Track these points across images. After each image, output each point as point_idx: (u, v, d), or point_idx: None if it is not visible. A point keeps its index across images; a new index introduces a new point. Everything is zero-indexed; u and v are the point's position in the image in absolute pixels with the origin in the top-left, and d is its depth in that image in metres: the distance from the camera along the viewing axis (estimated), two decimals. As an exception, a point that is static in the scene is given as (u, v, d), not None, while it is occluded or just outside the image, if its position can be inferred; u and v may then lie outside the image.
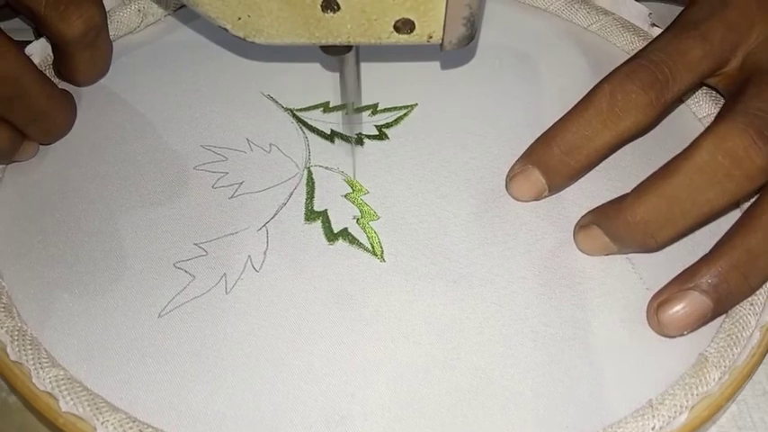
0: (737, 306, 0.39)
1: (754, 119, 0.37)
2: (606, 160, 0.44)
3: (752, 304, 0.39)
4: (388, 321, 0.40)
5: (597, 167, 0.44)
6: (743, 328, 0.39)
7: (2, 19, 0.49)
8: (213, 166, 0.46)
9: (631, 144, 0.45)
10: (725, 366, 0.37)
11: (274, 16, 0.37)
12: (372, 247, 0.42)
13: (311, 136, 0.47)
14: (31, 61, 0.42)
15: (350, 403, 0.37)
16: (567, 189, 0.45)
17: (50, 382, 0.36)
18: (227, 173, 0.45)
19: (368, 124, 0.48)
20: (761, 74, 0.40)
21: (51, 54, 0.49)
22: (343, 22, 0.37)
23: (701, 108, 0.48)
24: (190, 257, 0.42)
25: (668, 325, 0.38)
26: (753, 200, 0.40)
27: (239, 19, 0.37)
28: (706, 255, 0.39)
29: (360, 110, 0.49)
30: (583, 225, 0.42)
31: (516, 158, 0.44)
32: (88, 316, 0.39)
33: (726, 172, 0.37)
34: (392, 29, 0.37)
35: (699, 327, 0.39)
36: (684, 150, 0.38)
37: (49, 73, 0.49)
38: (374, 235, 0.43)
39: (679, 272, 0.39)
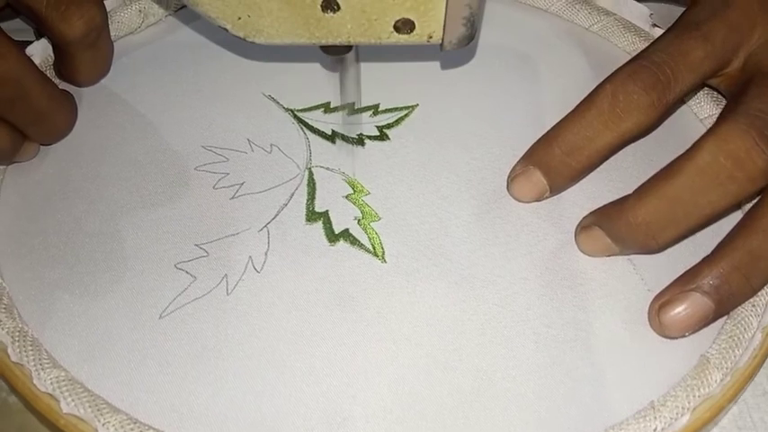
0: (739, 307, 0.39)
1: (755, 120, 0.37)
2: (607, 161, 0.44)
3: (753, 305, 0.39)
4: (389, 323, 0.40)
5: (598, 168, 0.44)
6: (744, 329, 0.38)
7: (3, 19, 0.49)
8: (214, 167, 0.46)
9: (633, 145, 0.45)
10: (726, 368, 0.37)
11: (274, 16, 0.37)
12: (374, 248, 0.42)
13: (312, 137, 0.47)
14: (32, 62, 0.42)
15: (351, 405, 0.37)
16: (569, 190, 0.45)
17: (51, 383, 0.36)
18: (228, 173, 0.45)
19: (369, 125, 0.48)
20: (762, 75, 0.40)
21: (52, 54, 0.49)
22: (343, 22, 0.37)
23: (703, 109, 0.48)
24: (191, 258, 0.42)
25: (670, 326, 0.38)
26: (754, 201, 0.40)
27: (239, 19, 0.37)
28: (708, 256, 0.39)
29: (361, 110, 0.49)
30: (584, 226, 0.42)
31: (517, 159, 0.44)
32: (89, 317, 0.39)
33: (728, 174, 0.37)
34: (392, 29, 0.37)
35: (700, 328, 0.39)
36: (686, 152, 0.38)
37: (50, 73, 0.49)
38: (375, 236, 0.43)
39: (681, 273, 0.39)
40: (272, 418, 0.36)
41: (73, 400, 0.36)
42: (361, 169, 0.46)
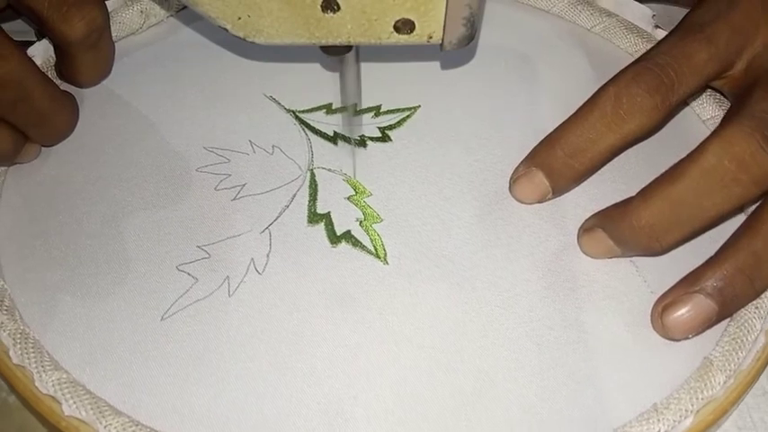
0: (743, 309, 0.39)
1: (760, 123, 0.37)
2: (610, 163, 0.44)
3: (757, 308, 0.39)
4: (391, 324, 0.40)
5: (601, 170, 0.44)
6: (748, 331, 0.38)
7: (4, 20, 0.49)
8: (216, 168, 0.46)
9: (635, 146, 0.45)
10: (730, 370, 0.37)
11: (274, 16, 0.37)
12: (375, 250, 0.42)
13: (314, 138, 0.47)
14: (34, 63, 0.42)
15: (353, 406, 0.37)
16: (571, 192, 0.44)
17: (53, 385, 0.36)
18: (229, 175, 0.45)
19: (371, 126, 0.48)
20: (767, 77, 0.40)
21: (53, 55, 0.49)
22: (344, 22, 0.37)
23: (706, 110, 0.48)
24: (192, 260, 0.42)
25: (673, 328, 0.38)
26: (758, 203, 0.40)
27: (239, 19, 0.37)
28: (711, 258, 0.39)
29: (362, 111, 0.49)
30: (587, 228, 0.42)
31: (520, 161, 0.44)
32: (91, 319, 0.39)
33: (732, 176, 0.37)
34: (392, 29, 0.37)
35: (704, 330, 0.39)
36: (690, 154, 0.38)
37: (51, 74, 0.49)
38: (377, 237, 0.43)
39: (684, 275, 0.39)
40: (274, 420, 0.36)
41: (75, 403, 0.36)
42: (362, 171, 0.46)
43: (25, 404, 0.38)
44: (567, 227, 0.43)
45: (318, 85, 0.50)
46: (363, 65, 0.50)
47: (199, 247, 0.42)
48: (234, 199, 0.44)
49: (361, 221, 0.43)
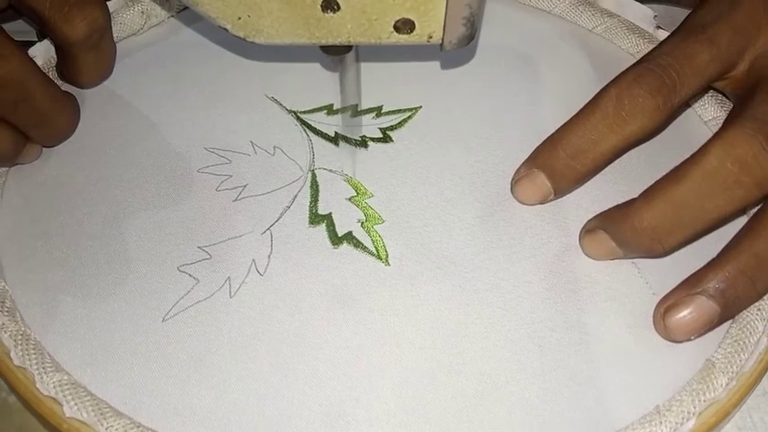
0: (745, 311, 0.39)
1: (763, 125, 0.37)
2: (612, 164, 0.44)
3: (759, 309, 0.39)
4: (392, 326, 0.39)
5: (603, 171, 0.44)
6: (750, 333, 0.38)
7: (5, 21, 0.49)
8: (217, 169, 0.46)
9: (637, 147, 0.45)
10: (732, 372, 0.37)
11: (274, 16, 0.37)
12: (377, 251, 0.42)
13: (315, 138, 0.47)
14: (35, 64, 0.42)
15: (354, 408, 0.37)
16: (573, 193, 0.44)
17: (54, 387, 0.36)
18: (230, 175, 0.45)
19: (372, 127, 0.48)
20: (769, 79, 0.40)
21: (54, 56, 0.49)
22: (344, 22, 0.37)
23: (707, 111, 0.48)
24: (194, 261, 0.42)
25: (675, 330, 0.38)
26: (760, 205, 0.40)
27: (239, 19, 0.37)
28: (713, 259, 0.39)
29: (363, 112, 0.48)
30: (589, 229, 0.42)
31: (521, 162, 0.44)
32: (92, 320, 0.39)
33: (735, 178, 0.37)
34: (392, 29, 0.37)
35: (706, 332, 0.38)
36: (693, 156, 0.38)
37: (52, 75, 0.49)
38: (379, 239, 0.43)
39: (686, 276, 0.39)
40: (276, 422, 0.36)
41: (76, 404, 0.36)
42: (364, 171, 0.46)
43: (26, 406, 0.38)
44: (569, 228, 0.43)
45: (319, 85, 0.50)
46: (364, 65, 0.50)
47: (200, 247, 0.42)
48: (235, 200, 0.44)
49: (362, 222, 0.43)
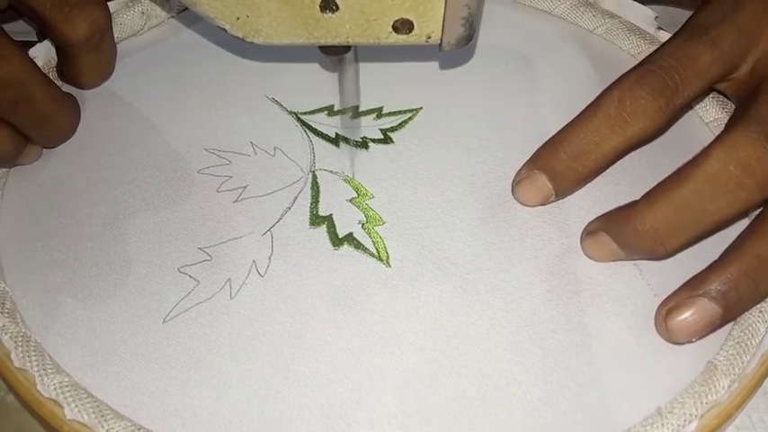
0: (747, 313, 0.39)
1: (765, 127, 0.37)
2: (613, 165, 0.44)
3: (761, 311, 0.39)
4: (393, 327, 0.39)
5: (604, 173, 0.44)
6: (752, 335, 0.38)
7: (5, 21, 0.49)
8: (217, 170, 0.45)
9: (638, 149, 0.45)
10: (734, 374, 0.37)
11: (273, 16, 0.37)
12: (378, 253, 0.42)
13: (316, 139, 0.47)
14: (36, 64, 0.42)
15: (356, 410, 0.37)
16: (574, 194, 0.44)
17: (55, 388, 0.36)
18: (231, 176, 0.45)
19: (373, 128, 0.48)
20: (772, 80, 0.40)
21: (55, 57, 0.48)
22: (342, 22, 0.37)
23: (708, 113, 0.48)
24: (194, 262, 0.41)
25: (677, 332, 0.38)
26: (762, 207, 0.40)
27: (238, 19, 0.37)
28: (715, 261, 0.38)
29: (364, 113, 0.48)
30: (590, 231, 0.42)
31: (522, 163, 0.44)
32: (92, 321, 0.39)
33: (737, 181, 0.37)
34: (391, 29, 0.37)
35: (707, 334, 0.38)
36: (695, 158, 0.38)
37: (53, 76, 0.49)
38: (379, 240, 0.43)
39: (687, 278, 0.39)
40: (276, 423, 0.36)
41: (77, 406, 0.36)
42: (364, 173, 0.46)
43: (27, 408, 0.38)
44: (571, 230, 0.43)
45: (320, 86, 0.50)
46: (365, 66, 0.50)
47: (200, 249, 0.42)
48: (235, 201, 0.44)
49: (363, 224, 0.43)
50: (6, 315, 0.38)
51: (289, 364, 0.38)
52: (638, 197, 0.40)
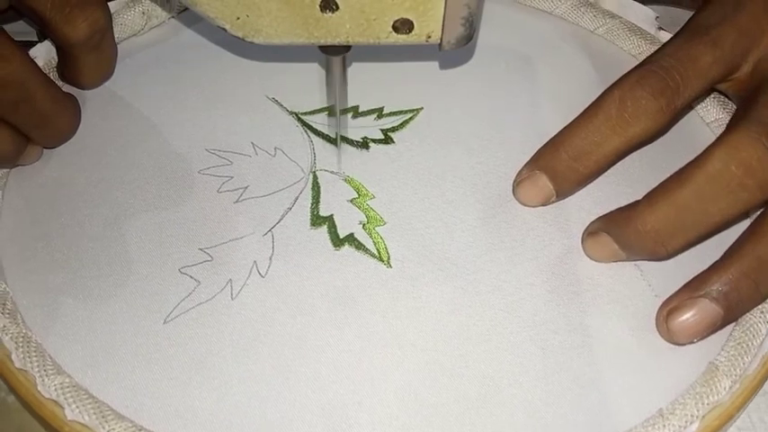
0: (748, 314, 0.39)
1: (767, 128, 0.37)
2: (614, 165, 0.44)
3: (762, 312, 0.39)
4: (394, 328, 0.39)
5: (605, 173, 0.44)
6: (753, 336, 0.38)
7: (6, 21, 0.49)
8: (218, 170, 0.45)
9: (639, 149, 0.45)
10: (735, 375, 0.37)
11: (273, 16, 0.37)
12: (379, 253, 0.42)
13: (316, 140, 0.47)
14: (36, 65, 0.42)
15: (357, 411, 0.37)
16: (575, 194, 0.44)
17: (56, 389, 0.36)
18: (232, 177, 0.45)
19: (373, 128, 0.48)
20: (773, 81, 0.40)
21: (55, 57, 0.48)
22: (342, 21, 0.37)
23: (709, 113, 0.48)
24: (195, 263, 0.41)
25: (678, 332, 0.38)
26: (763, 208, 0.40)
27: (238, 19, 0.37)
28: (716, 262, 0.38)
29: (365, 113, 0.48)
30: (591, 232, 0.42)
31: (523, 163, 0.44)
32: (93, 322, 0.39)
33: (739, 182, 0.37)
34: (391, 29, 0.37)
35: (709, 335, 0.38)
36: (696, 159, 0.38)
37: (53, 76, 0.49)
38: (380, 240, 0.43)
39: (688, 279, 0.39)
40: (278, 425, 0.36)
41: (77, 407, 0.36)
42: (365, 173, 0.46)
43: (28, 408, 0.38)
44: (572, 230, 0.43)
45: (321, 86, 0.50)
46: (366, 66, 0.50)
47: (201, 249, 0.42)
48: (236, 201, 0.44)
49: (363, 224, 0.43)
50: (7, 316, 0.38)
51: (290, 365, 0.38)
52: (639, 198, 0.40)
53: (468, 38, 0.38)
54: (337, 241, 0.43)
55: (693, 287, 0.38)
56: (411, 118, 0.48)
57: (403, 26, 0.37)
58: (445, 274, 0.41)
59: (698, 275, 0.39)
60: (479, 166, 0.46)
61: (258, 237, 0.43)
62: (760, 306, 0.39)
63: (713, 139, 0.39)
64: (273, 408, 0.37)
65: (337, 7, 0.36)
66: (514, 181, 0.44)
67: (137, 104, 0.49)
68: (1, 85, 0.40)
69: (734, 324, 0.39)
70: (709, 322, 0.38)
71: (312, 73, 0.50)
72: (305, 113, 0.48)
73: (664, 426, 0.35)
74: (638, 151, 0.45)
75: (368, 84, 0.49)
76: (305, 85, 0.50)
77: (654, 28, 0.52)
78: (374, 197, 0.44)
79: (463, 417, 0.37)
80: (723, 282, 0.38)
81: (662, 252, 0.39)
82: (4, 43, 0.40)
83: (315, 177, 0.45)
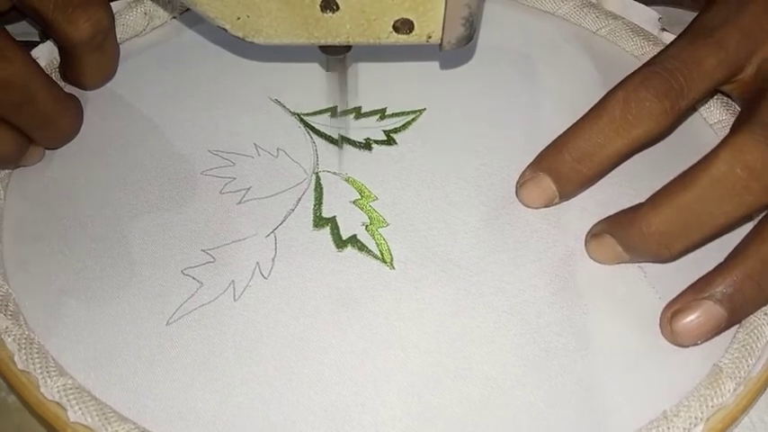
0: (752, 316, 0.39)
1: None
2: (618, 167, 0.43)
3: (766, 314, 0.39)
4: (397, 330, 0.39)
5: (608, 175, 0.44)
6: (757, 338, 0.38)
7: (8, 22, 0.49)
8: (221, 171, 0.45)
9: (642, 151, 0.45)
10: (740, 377, 0.37)
11: (273, 16, 0.37)
12: (381, 255, 0.42)
13: (319, 141, 0.47)
14: (39, 65, 0.42)
15: (360, 413, 0.37)
16: (578, 196, 0.44)
17: (58, 391, 0.36)
18: (234, 178, 0.45)
19: (376, 129, 0.48)
20: (777, 82, 0.40)
21: (58, 57, 0.48)
22: (342, 22, 0.37)
23: (712, 114, 0.48)
24: (198, 264, 0.41)
25: (682, 334, 0.38)
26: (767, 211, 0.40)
27: (238, 19, 0.37)
28: (720, 264, 0.38)
29: (368, 114, 0.48)
30: (595, 234, 0.42)
31: (526, 165, 0.44)
32: (95, 323, 0.39)
33: (743, 184, 0.37)
34: (391, 29, 0.37)
35: (713, 336, 0.38)
36: (701, 161, 0.38)
37: (56, 76, 0.49)
38: (383, 242, 0.43)
39: (692, 281, 0.39)
40: (280, 426, 0.36)
41: (80, 409, 0.35)
42: (368, 174, 0.46)
43: (30, 410, 0.37)
44: (575, 232, 0.43)
45: (323, 88, 0.49)
46: (368, 66, 0.50)
47: (204, 250, 0.42)
48: (239, 203, 0.44)
49: (366, 226, 0.43)
50: (10, 317, 0.38)
51: (293, 367, 0.38)
52: (642, 200, 0.40)
53: (469, 38, 0.38)
54: (340, 243, 0.42)
55: (697, 289, 0.38)
56: (414, 119, 0.48)
57: (403, 26, 0.37)
58: (448, 276, 0.41)
59: (702, 278, 0.39)
60: (482, 167, 0.46)
61: (261, 238, 0.42)
62: (764, 308, 0.39)
63: (716, 140, 0.39)
64: (276, 409, 0.37)
65: (337, 7, 0.36)
66: (518, 182, 0.44)
67: (138, 105, 0.49)
68: (3, 85, 0.40)
69: (738, 326, 0.39)
70: (714, 324, 0.38)
71: (314, 73, 0.50)
72: (307, 114, 0.48)
73: (668, 428, 0.35)
74: (642, 153, 0.45)
75: (370, 84, 0.49)
76: (307, 85, 0.50)
77: (657, 29, 0.52)
78: (377, 198, 0.44)
79: (466, 419, 0.37)
80: (727, 284, 0.37)
81: (665, 254, 0.39)
82: (7, 44, 0.40)
83: (317, 179, 0.45)
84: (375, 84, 0.50)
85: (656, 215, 0.38)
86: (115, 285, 0.40)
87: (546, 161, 0.43)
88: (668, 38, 0.51)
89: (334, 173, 0.45)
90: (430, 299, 0.40)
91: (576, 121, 0.42)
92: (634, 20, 0.53)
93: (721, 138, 0.39)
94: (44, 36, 0.50)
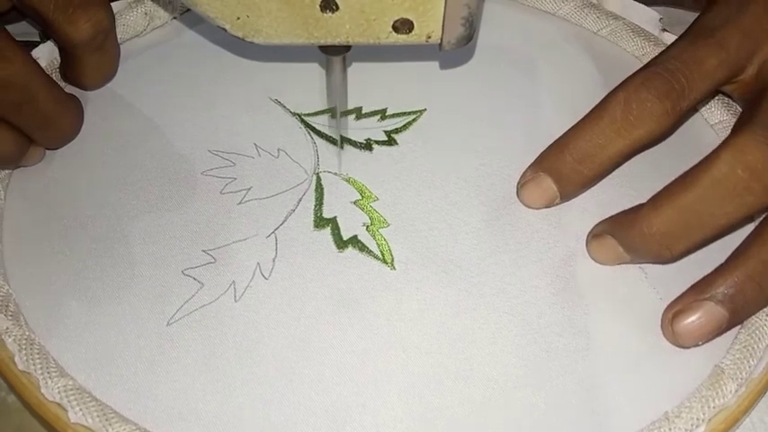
0: (753, 317, 0.39)
1: None
2: (619, 168, 0.44)
3: (768, 315, 0.39)
4: (398, 330, 0.39)
5: (609, 175, 0.44)
6: (759, 338, 0.38)
7: (8, 22, 0.49)
8: (221, 172, 0.45)
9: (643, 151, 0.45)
10: (741, 378, 0.37)
11: (273, 16, 0.37)
12: (382, 255, 0.42)
13: (319, 141, 0.47)
14: (39, 66, 0.42)
15: (361, 414, 0.37)
16: (579, 197, 0.44)
17: (59, 392, 0.36)
18: (235, 178, 0.45)
19: (377, 129, 0.48)
20: (778, 82, 0.40)
21: (58, 58, 0.48)
22: (342, 22, 0.37)
23: (713, 114, 0.48)
24: (198, 265, 0.41)
25: (683, 335, 0.38)
26: (768, 212, 0.40)
27: (238, 19, 0.37)
28: (721, 265, 0.38)
29: (368, 115, 0.48)
30: (596, 234, 0.42)
31: (527, 165, 0.44)
32: (96, 324, 0.39)
33: (745, 185, 0.37)
34: (391, 29, 0.37)
35: (714, 337, 0.38)
36: (702, 162, 0.38)
37: (56, 77, 0.48)
38: (384, 242, 0.43)
39: (693, 282, 0.39)
40: (281, 427, 0.36)
41: (81, 410, 0.35)
42: (369, 174, 0.45)
43: (31, 411, 0.37)
44: (576, 232, 0.43)
45: (323, 87, 0.49)
46: (369, 66, 0.50)
47: (204, 251, 0.42)
48: (239, 203, 0.44)
49: (367, 226, 0.43)
50: (10, 318, 0.38)
51: (293, 367, 0.38)
52: (643, 200, 0.40)
53: (469, 38, 0.38)
54: (341, 243, 0.42)
55: (699, 290, 0.38)
56: (414, 119, 0.48)
57: (403, 26, 0.37)
58: (449, 277, 0.41)
59: (703, 278, 0.38)
60: (483, 167, 0.46)
61: (261, 238, 0.42)
62: (765, 309, 0.39)
63: (717, 141, 0.39)
64: (277, 410, 0.37)
65: (337, 7, 0.36)
66: (518, 183, 0.44)
67: (139, 105, 0.49)
68: (3, 86, 0.40)
69: (739, 327, 0.39)
70: (715, 325, 0.38)
71: (315, 73, 0.50)
72: (308, 114, 0.48)
73: (669, 429, 0.35)
74: (643, 153, 0.45)
75: (370, 85, 0.49)
76: (308, 85, 0.50)
77: (657, 29, 0.52)
78: (378, 199, 0.44)
79: (467, 419, 0.37)
80: (728, 285, 0.37)
81: (667, 255, 0.39)
82: (7, 44, 0.40)
83: (318, 179, 0.45)
84: (375, 84, 0.49)
85: (657, 216, 0.38)
86: (116, 286, 0.40)
87: (547, 162, 0.43)
88: (669, 38, 0.51)
89: (335, 173, 0.45)
90: (431, 299, 0.40)
91: (577, 122, 0.42)
92: (635, 20, 0.53)
93: (722, 138, 0.40)
94: (44, 36, 0.50)
